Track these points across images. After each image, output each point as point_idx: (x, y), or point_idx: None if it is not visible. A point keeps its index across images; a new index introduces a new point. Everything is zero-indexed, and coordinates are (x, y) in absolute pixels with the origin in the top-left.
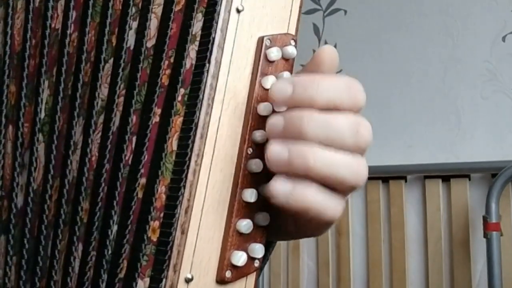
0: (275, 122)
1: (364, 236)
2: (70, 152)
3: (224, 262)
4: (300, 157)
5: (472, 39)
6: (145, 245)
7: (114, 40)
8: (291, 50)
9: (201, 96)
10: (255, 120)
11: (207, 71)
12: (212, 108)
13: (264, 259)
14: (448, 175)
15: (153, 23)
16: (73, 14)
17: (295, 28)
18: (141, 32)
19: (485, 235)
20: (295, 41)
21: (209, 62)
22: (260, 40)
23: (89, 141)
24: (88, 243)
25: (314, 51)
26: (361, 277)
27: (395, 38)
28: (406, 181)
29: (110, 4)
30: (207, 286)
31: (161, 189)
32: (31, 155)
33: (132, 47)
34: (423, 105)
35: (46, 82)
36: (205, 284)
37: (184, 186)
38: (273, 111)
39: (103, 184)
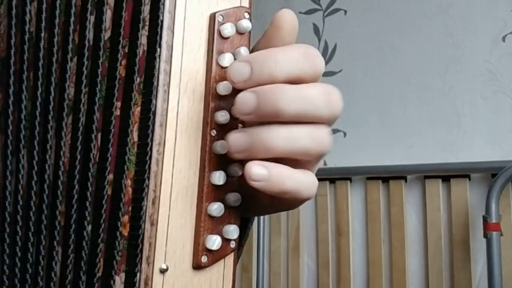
0: (246, 100)
1: (364, 236)
2: (48, 157)
3: (199, 248)
4: (259, 141)
5: (472, 39)
6: (118, 241)
7: (76, 38)
8: (245, 24)
9: (155, 83)
10: (216, 101)
11: (159, 56)
12: (168, 93)
13: (243, 237)
14: (448, 175)
15: (108, 15)
16: (44, 16)
17: (249, 0)
18: (98, 26)
19: (485, 235)
20: (250, 13)
21: (160, 47)
22: (212, 17)
23: (62, 143)
24: (67, 246)
25: None
26: (361, 277)
27: (395, 38)
28: (406, 181)
29: (73, 1)
30: (184, 273)
31: (128, 183)
32: (17, 162)
33: (91, 43)
34: (423, 105)
35: (25, 88)
36: (182, 272)
37: (149, 177)
38: (234, 89)
39: (76, 186)
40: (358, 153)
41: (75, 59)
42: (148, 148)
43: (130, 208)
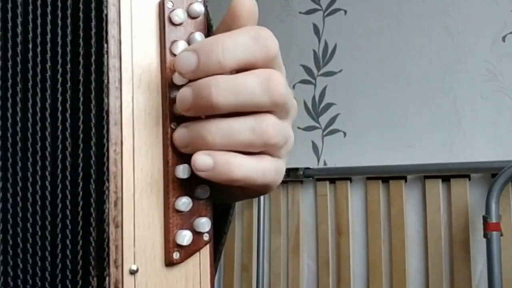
0: (183, 96)
1: (364, 236)
2: (38, 168)
3: (169, 245)
4: (198, 136)
5: (472, 39)
6: (92, 246)
7: (51, 45)
8: (198, 7)
9: (106, 80)
10: (173, 92)
11: (107, 52)
12: (121, 90)
13: (225, 225)
14: (448, 175)
15: (70, 19)
16: (30, 27)
17: None
18: (64, 31)
19: (485, 235)
20: None
21: (107, 42)
22: (161, 4)
23: (46, 154)
24: (55, 255)
25: (314, 51)
26: (361, 277)
27: (395, 38)
28: (406, 181)
29: (48, 9)
30: (157, 272)
31: (94, 187)
32: (15, 175)
33: (61, 49)
34: (423, 105)
35: (19, 100)
36: (154, 271)
37: (108, 179)
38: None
39: (60, 195)
40: (358, 153)
41: (51, 67)
42: (105, 149)
43: (95, 212)
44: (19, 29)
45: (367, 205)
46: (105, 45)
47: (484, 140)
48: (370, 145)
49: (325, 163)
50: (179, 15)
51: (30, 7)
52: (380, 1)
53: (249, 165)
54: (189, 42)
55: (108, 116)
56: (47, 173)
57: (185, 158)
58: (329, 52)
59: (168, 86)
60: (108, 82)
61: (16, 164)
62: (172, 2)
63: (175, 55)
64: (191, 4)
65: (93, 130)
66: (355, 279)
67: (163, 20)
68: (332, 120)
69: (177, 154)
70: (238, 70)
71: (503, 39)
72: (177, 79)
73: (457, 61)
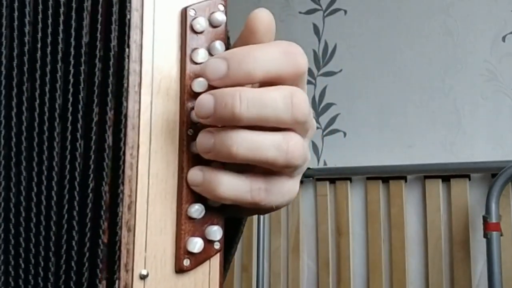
0: (203, 103)
1: (364, 236)
2: (44, 168)
3: (180, 251)
4: (223, 143)
5: (472, 39)
6: (100, 249)
7: (64, 46)
8: (219, 16)
9: (125, 84)
10: (191, 99)
11: (128, 56)
12: (140, 94)
13: (236, 235)
14: (448, 175)
15: (88, 20)
16: (40, 26)
17: None
18: (79, 32)
19: (485, 235)
20: (224, 6)
21: (128, 47)
22: (183, 11)
23: (54, 153)
24: (59, 256)
25: (314, 51)
26: (361, 277)
27: (395, 38)
28: (406, 181)
29: (61, 10)
30: (167, 278)
31: (106, 189)
32: (19, 175)
33: (74, 50)
34: (423, 105)
35: (25, 99)
36: (164, 277)
37: (123, 183)
38: (210, 86)
39: (66, 196)
40: (358, 153)
41: (63, 68)
42: (121, 152)
43: (108, 215)
44: (26, 29)
45: (367, 205)
46: (127, 50)
47: (484, 140)
48: (370, 145)
49: (325, 163)
50: (200, 23)
51: (40, 7)
52: (380, 1)
53: (235, 186)
54: (209, 51)
55: (126, 119)
56: (53, 173)
57: (201, 164)
58: (329, 52)
59: (187, 93)
60: (127, 86)
61: (20, 163)
62: (195, 10)
63: (195, 62)
64: (213, 13)
65: (108, 132)
66: (355, 279)
67: (185, 27)
68: (332, 120)
69: (192, 160)
70: (263, 84)
71: (503, 39)
72: (197, 86)
73: (457, 61)
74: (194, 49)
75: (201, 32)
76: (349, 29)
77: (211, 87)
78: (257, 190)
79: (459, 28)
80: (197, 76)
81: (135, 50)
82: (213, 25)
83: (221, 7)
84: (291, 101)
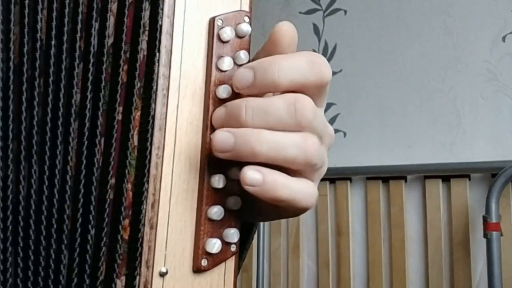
0: (217, 116)
1: (364, 236)
2: (57, 162)
3: (198, 251)
4: (245, 142)
5: (472, 39)
6: (119, 244)
7: (82, 45)
8: (245, 27)
9: (154, 87)
10: (215, 104)
11: (158, 60)
12: (168, 97)
13: (247, 241)
14: (448, 175)
15: (112, 22)
16: (54, 24)
17: (249, 4)
18: (102, 33)
19: (485, 235)
20: (249, 17)
21: (159, 51)
22: (212, 21)
23: (69, 148)
24: (73, 249)
25: (314, 51)
26: (361, 277)
27: (395, 38)
28: (406, 181)
29: (79, 9)
30: (184, 277)
31: (128, 187)
32: (29, 168)
33: (95, 49)
34: (423, 105)
35: (37, 94)
36: (182, 275)
37: (148, 181)
38: (233, 92)
39: (82, 190)
40: (358, 153)
41: (81, 66)
42: (148, 152)
43: (130, 212)
44: (39, 25)
45: (367, 205)
46: (157, 54)
47: (484, 140)
48: (370, 145)
49: None
50: (227, 32)
51: (55, 6)
52: (380, 1)
53: (293, 187)
54: (234, 59)
55: (154, 121)
56: (68, 168)
57: (221, 168)
58: (329, 52)
59: (212, 98)
60: (156, 89)
61: (31, 157)
62: (222, 20)
63: (220, 70)
64: (239, 24)
65: (132, 131)
66: (355, 279)
67: (212, 36)
68: (332, 120)
69: (213, 163)
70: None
71: (503, 39)
72: (221, 92)
73: (457, 61)
74: (220, 57)
75: (227, 42)
76: (349, 29)
77: (234, 93)
78: (309, 194)
79: (459, 28)
80: (221, 83)
81: (165, 55)
82: (238, 35)
83: (247, 19)
84: (294, 107)
